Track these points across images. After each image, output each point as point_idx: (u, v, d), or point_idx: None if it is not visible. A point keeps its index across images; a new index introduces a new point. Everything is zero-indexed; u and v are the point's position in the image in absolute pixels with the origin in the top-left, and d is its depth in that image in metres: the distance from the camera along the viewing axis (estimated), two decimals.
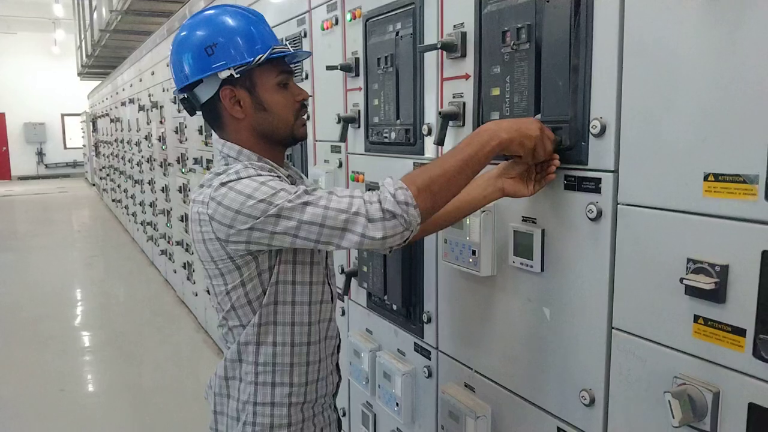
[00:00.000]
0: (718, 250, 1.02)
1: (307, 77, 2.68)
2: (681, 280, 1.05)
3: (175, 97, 1.65)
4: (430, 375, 1.91)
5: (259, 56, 1.33)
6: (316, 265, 1.41)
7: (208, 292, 2.30)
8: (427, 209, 1.23)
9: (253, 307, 1.36)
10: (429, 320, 1.90)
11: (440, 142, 1.67)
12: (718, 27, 1.00)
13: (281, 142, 1.42)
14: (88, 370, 4.67)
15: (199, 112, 1.44)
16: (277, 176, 1.32)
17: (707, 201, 1.03)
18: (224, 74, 1.32)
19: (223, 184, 1.26)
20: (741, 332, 1.00)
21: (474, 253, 1.58)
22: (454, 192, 1.28)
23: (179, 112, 5.33)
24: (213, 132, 1.47)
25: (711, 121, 1.02)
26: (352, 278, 2.35)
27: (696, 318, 1.07)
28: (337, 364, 1.57)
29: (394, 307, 2.08)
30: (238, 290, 1.34)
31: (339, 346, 1.57)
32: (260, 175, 1.26)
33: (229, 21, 1.36)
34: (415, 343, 2.00)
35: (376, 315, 2.24)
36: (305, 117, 1.44)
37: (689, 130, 1.06)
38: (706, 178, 1.03)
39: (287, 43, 1.41)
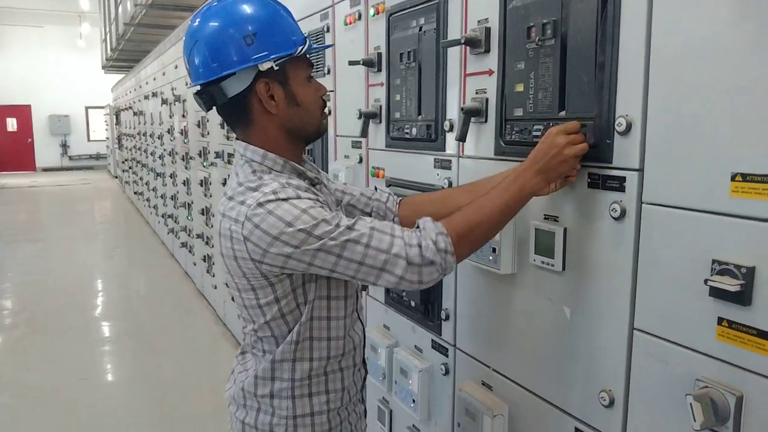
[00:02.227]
0: (744, 251, 1.00)
1: (329, 72, 2.69)
2: (705, 281, 1.03)
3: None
4: (447, 372, 1.90)
5: (301, 47, 1.27)
6: None
7: (227, 285, 2.32)
8: (464, 256, 1.27)
9: (287, 321, 1.32)
10: (447, 317, 1.89)
11: (462, 138, 1.66)
12: (749, 22, 0.98)
13: (307, 137, 1.38)
14: (108, 360, 4.75)
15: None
16: (315, 197, 1.25)
17: (734, 201, 1.01)
18: (266, 66, 1.23)
19: (260, 205, 1.19)
20: (767, 336, 0.98)
21: (494, 250, 1.57)
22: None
23: None
24: (234, 131, 1.39)
25: (739, 120, 1.00)
26: None
27: (720, 320, 1.05)
28: (364, 359, 1.56)
29: (412, 303, 2.08)
30: (272, 306, 1.30)
31: (364, 341, 1.57)
32: (299, 197, 1.20)
33: (263, 9, 1.28)
34: (432, 340, 2.00)
35: (394, 311, 2.24)
36: (327, 112, 1.42)
37: (717, 129, 1.04)
38: (733, 178, 1.01)
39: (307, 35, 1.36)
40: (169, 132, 7.41)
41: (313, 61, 1.39)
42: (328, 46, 1.61)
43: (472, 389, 1.73)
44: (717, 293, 1.03)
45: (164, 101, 7.37)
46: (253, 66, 1.24)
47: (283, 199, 1.19)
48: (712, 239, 1.05)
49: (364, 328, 1.54)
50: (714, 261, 1.04)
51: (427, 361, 2.01)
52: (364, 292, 2.45)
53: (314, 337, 1.35)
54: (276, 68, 1.25)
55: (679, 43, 1.10)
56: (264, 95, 1.27)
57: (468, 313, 1.80)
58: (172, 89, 6.84)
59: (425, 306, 2.00)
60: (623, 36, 1.21)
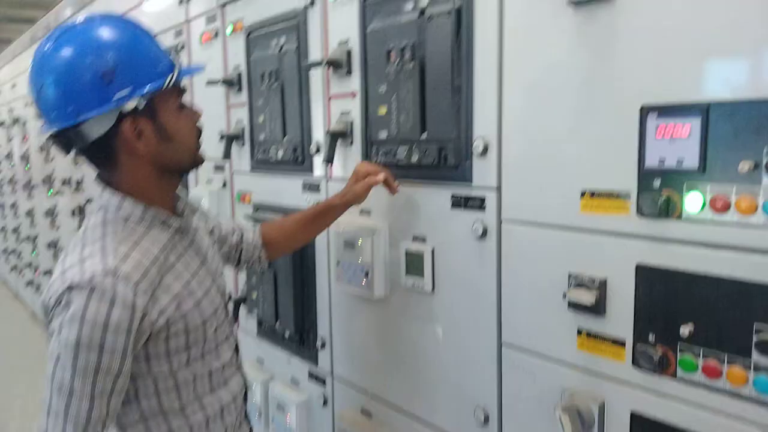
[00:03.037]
0: (596, 264, 1.05)
1: (185, 91, 2.53)
2: (564, 295, 1.07)
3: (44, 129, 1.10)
4: (325, 403, 1.84)
5: (170, 77, 1.08)
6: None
7: None
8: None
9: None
10: (323, 345, 1.83)
11: (329, 159, 1.62)
12: (588, 47, 1.04)
13: (182, 171, 1.21)
14: None
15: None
16: (129, 316, 1.02)
17: (585, 217, 1.06)
18: (130, 105, 1.04)
19: (69, 289, 1.01)
20: (621, 343, 1.04)
21: (367, 274, 1.54)
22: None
23: None
24: (97, 170, 1.18)
25: (585, 140, 1.06)
26: (241, 305, 2.23)
27: (579, 331, 1.09)
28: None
29: (287, 333, 1.99)
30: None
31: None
32: (109, 309, 1.00)
33: (122, 35, 1.07)
34: (309, 370, 1.92)
35: (268, 343, 2.13)
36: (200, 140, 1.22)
37: (566, 149, 1.09)
38: (582, 195, 1.06)
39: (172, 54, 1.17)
40: (7, 157, 6.63)
41: (183, 85, 1.18)
42: (198, 69, 1.33)
43: (351, 419, 1.68)
44: (575, 306, 1.08)
45: (1, 123, 6.60)
46: (129, 100, 1.05)
47: (78, 325, 0.99)
48: (567, 254, 1.10)
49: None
50: (570, 275, 1.09)
51: (304, 393, 1.93)
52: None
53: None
54: (142, 106, 1.06)
55: (528, 67, 1.15)
56: (131, 136, 1.08)
57: (344, 339, 1.76)
58: (10, 110, 6.15)
59: (300, 335, 1.92)
60: (477, 60, 1.24)
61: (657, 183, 0.96)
